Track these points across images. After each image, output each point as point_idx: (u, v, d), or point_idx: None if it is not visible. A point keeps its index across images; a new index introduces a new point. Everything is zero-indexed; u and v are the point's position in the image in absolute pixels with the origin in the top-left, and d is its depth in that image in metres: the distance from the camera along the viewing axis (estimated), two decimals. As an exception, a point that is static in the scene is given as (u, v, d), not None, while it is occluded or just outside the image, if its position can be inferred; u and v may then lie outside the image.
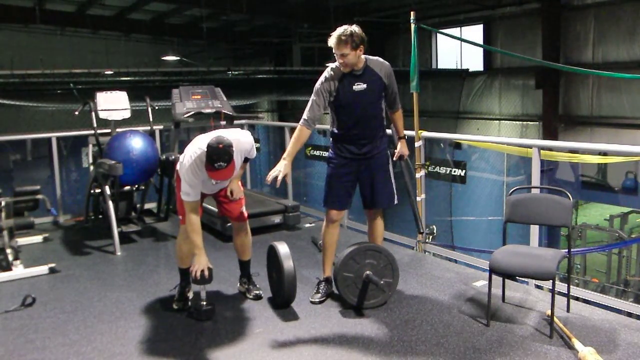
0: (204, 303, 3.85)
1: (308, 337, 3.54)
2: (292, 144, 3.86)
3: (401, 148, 4.25)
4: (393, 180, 4.14)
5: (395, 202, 4.18)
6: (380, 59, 3.98)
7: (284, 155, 3.79)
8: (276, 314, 3.91)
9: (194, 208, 3.69)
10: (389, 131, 4.21)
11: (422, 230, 4.05)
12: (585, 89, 13.26)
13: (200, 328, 3.72)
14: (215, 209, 4.36)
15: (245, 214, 4.15)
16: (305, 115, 3.91)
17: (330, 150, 4.13)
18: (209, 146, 3.43)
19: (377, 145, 4.02)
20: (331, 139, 4.11)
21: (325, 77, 3.91)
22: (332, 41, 3.76)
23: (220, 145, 3.42)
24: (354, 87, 3.88)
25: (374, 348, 3.37)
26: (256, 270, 4.40)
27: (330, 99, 3.91)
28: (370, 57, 3.95)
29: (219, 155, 3.40)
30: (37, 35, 16.69)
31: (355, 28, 3.75)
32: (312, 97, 3.92)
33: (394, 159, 4.22)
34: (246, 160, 3.96)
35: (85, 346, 3.49)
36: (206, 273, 3.69)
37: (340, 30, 3.74)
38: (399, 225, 6.03)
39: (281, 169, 3.67)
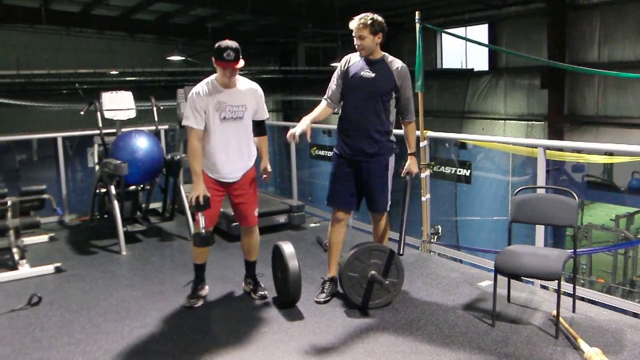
0: (204, 230, 3.89)
1: (313, 336, 3.54)
2: (312, 112, 4.00)
3: (410, 165, 4.12)
4: (390, 188, 4.10)
5: (387, 209, 4.15)
6: (400, 61, 3.99)
7: (304, 118, 3.88)
8: (281, 313, 3.91)
9: (196, 135, 3.80)
10: (398, 131, 4.16)
11: (401, 253, 3.96)
12: (590, 88, 13.22)
13: (206, 328, 3.73)
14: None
15: (256, 218, 4.15)
16: (325, 94, 4.06)
17: (334, 148, 4.15)
18: (217, 44, 3.66)
19: (373, 147, 3.96)
20: (336, 133, 4.14)
21: (347, 58, 4.03)
22: (352, 23, 3.86)
23: (227, 41, 3.66)
24: (363, 73, 3.92)
25: (379, 348, 3.37)
26: (261, 270, 4.41)
27: (342, 79, 4.00)
28: (391, 56, 4.00)
29: (227, 46, 3.62)
30: (42, 36, 16.73)
31: (377, 16, 3.85)
32: (333, 77, 4.07)
33: (402, 175, 4.14)
34: (261, 127, 4.05)
35: (90, 345, 3.50)
36: (201, 199, 3.74)
37: (362, 14, 3.85)
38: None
39: (301, 127, 3.77)
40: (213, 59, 3.69)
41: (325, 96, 4.05)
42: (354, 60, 4.00)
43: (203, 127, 3.82)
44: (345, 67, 4.00)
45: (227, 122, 3.84)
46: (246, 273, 4.32)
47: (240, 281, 4.39)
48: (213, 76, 3.84)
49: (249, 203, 4.07)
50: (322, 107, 4.04)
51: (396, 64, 3.95)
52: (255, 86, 3.97)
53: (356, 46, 3.91)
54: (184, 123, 3.87)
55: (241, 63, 3.71)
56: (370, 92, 3.91)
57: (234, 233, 5.44)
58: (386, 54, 4.00)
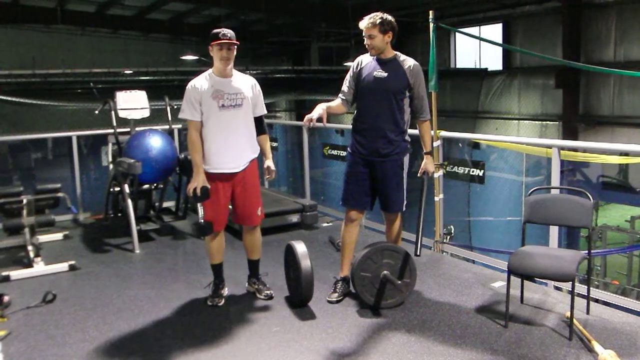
0: (202, 221, 3.95)
1: (325, 336, 3.54)
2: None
3: (426, 164, 4.08)
4: (405, 188, 4.09)
5: (403, 209, 4.14)
6: (412, 59, 3.98)
7: (320, 104, 3.93)
8: (293, 313, 3.91)
9: (194, 127, 3.89)
10: (413, 131, 4.14)
11: (419, 254, 3.93)
12: (606, 88, 13.11)
13: (218, 326, 3.74)
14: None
15: (260, 217, 4.15)
16: (340, 93, 4.09)
17: (348, 148, 4.14)
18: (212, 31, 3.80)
19: (389, 146, 3.95)
20: (351, 133, 4.14)
21: (358, 60, 4.05)
22: (362, 23, 3.87)
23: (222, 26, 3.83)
24: (375, 73, 3.92)
25: (391, 348, 3.36)
26: (273, 269, 4.41)
27: (355, 81, 4.01)
28: (403, 55, 4.00)
29: (222, 30, 3.79)
30: (58, 36, 16.91)
31: (387, 15, 3.86)
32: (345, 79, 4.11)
33: (418, 175, 4.12)
34: (261, 126, 4.08)
35: (104, 343, 3.53)
36: (198, 191, 3.81)
37: (372, 14, 3.87)
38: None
39: (317, 112, 3.80)
40: (210, 47, 3.80)
41: (340, 95, 4.07)
42: (366, 61, 4.00)
43: (198, 118, 3.87)
44: (358, 68, 4.00)
45: (226, 110, 3.88)
46: (250, 273, 4.29)
47: (252, 281, 4.40)
48: (210, 69, 3.92)
49: (252, 200, 4.07)
50: (337, 102, 4.05)
51: (408, 62, 3.94)
52: (253, 80, 4.07)
53: (366, 46, 3.91)
54: (179, 116, 3.95)
55: (234, 44, 3.82)
56: (384, 92, 3.90)
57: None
58: (398, 52, 3.99)
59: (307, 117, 3.80)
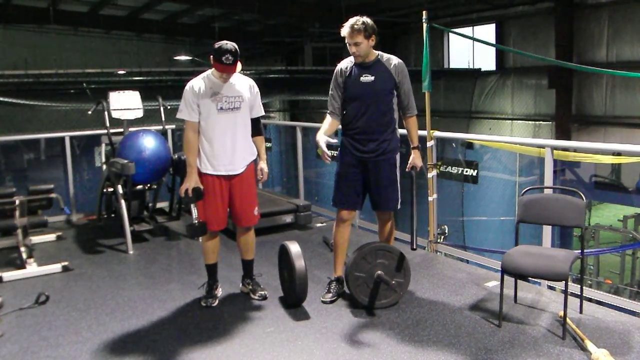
0: (196, 222, 3.95)
1: (319, 336, 3.54)
2: (322, 127, 4.02)
3: (414, 159, 4.07)
4: (399, 186, 4.08)
5: (398, 207, 4.14)
6: (395, 57, 3.98)
7: (317, 135, 3.93)
8: (287, 313, 3.91)
9: (191, 128, 3.91)
10: (402, 130, 4.16)
11: (414, 247, 3.96)
12: (599, 88, 13.17)
13: (212, 327, 3.73)
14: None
15: (256, 217, 4.15)
16: (328, 108, 4.07)
17: (339, 148, 4.14)
18: (217, 44, 3.73)
19: (382, 145, 3.95)
20: (341, 135, 4.14)
21: (338, 69, 4.01)
22: (345, 31, 3.83)
23: (227, 43, 3.73)
24: (362, 78, 3.90)
25: (385, 348, 3.36)
26: (267, 269, 4.40)
27: (341, 91, 3.99)
28: (385, 54, 3.98)
29: (227, 49, 3.70)
30: (50, 36, 16.83)
31: (366, 18, 3.83)
32: (330, 91, 4.05)
33: (407, 170, 4.11)
34: (257, 127, 4.08)
35: (97, 344, 3.51)
36: (190, 192, 3.84)
37: (352, 20, 3.82)
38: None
39: (322, 147, 3.83)
40: (211, 57, 3.75)
41: (330, 110, 4.04)
42: (347, 67, 3.97)
43: (196, 118, 3.88)
44: (342, 77, 3.97)
45: (225, 113, 3.88)
46: (244, 274, 4.29)
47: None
48: (210, 71, 3.89)
49: (249, 201, 4.07)
50: (329, 121, 4.03)
51: (393, 61, 3.94)
52: (252, 81, 4.05)
53: (351, 53, 3.88)
54: (177, 116, 3.95)
55: (238, 67, 3.80)
56: (373, 96, 3.90)
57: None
58: (380, 52, 3.97)
59: (323, 155, 3.84)
